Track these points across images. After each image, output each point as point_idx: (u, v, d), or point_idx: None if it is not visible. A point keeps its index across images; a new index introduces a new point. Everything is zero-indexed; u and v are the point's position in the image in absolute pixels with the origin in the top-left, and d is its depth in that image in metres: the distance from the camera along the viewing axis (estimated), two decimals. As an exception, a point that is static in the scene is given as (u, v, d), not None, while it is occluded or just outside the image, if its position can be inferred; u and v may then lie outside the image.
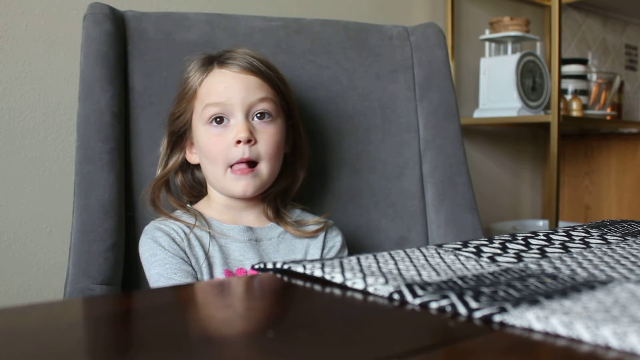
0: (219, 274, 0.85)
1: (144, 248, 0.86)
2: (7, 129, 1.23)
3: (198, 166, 0.95)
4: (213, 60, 0.91)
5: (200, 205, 0.93)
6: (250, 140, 0.86)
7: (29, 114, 1.25)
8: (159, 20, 1.05)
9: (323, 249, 0.92)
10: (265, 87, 0.90)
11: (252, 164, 0.87)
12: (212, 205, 0.92)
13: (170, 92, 1.00)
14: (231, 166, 0.86)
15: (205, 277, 0.84)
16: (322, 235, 0.93)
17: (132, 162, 0.99)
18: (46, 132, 1.27)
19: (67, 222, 0.98)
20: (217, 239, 0.87)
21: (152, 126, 1.00)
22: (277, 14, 1.21)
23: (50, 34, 1.27)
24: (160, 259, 0.83)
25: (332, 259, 0.50)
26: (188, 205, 0.93)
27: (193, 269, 0.84)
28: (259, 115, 0.88)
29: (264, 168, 0.88)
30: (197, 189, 0.96)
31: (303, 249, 0.91)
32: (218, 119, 0.87)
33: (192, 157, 0.93)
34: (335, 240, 0.94)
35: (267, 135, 0.88)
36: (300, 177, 0.97)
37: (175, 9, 1.38)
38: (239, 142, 0.85)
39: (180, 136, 0.93)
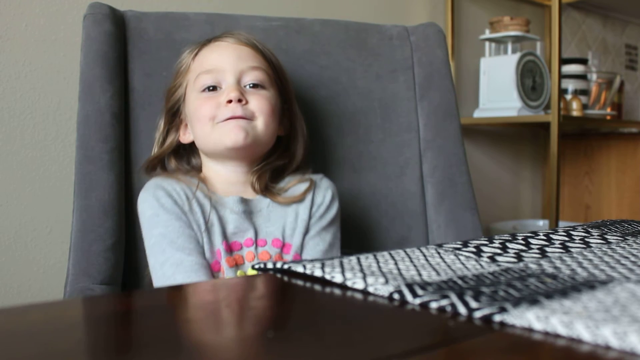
0: (218, 244, 0.84)
1: (144, 205, 0.85)
2: (7, 129, 1.23)
3: (193, 152, 0.94)
4: (209, 40, 0.92)
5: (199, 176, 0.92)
6: (242, 100, 0.85)
7: (29, 114, 1.25)
8: (159, 20, 1.05)
9: (311, 207, 0.90)
10: (259, 58, 0.90)
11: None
12: (208, 179, 0.90)
13: (170, 92, 0.99)
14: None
15: (206, 246, 0.83)
16: (309, 195, 0.90)
17: (132, 162, 0.99)
18: (46, 132, 1.27)
19: (67, 222, 0.98)
20: (217, 208, 0.86)
21: (152, 126, 1.00)
22: (277, 14, 1.21)
23: (50, 34, 1.27)
24: (164, 220, 0.83)
25: (332, 258, 0.50)
26: (189, 174, 0.91)
27: (194, 231, 0.83)
28: (251, 85, 0.88)
29: (259, 123, 0.86)
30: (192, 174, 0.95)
31: (293, 212, 0.89)
32: (210, 88, 0.87)
33: (186, 137, 0.93)
34: (325, 194, 0.92)
35: (260, 97, 0.87)
36: (298, 156, 0.95)
37: (175, 9, 1.38)
38: (229, 101, 0.85)
39: (174, 114, 0.93)
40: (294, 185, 0.92)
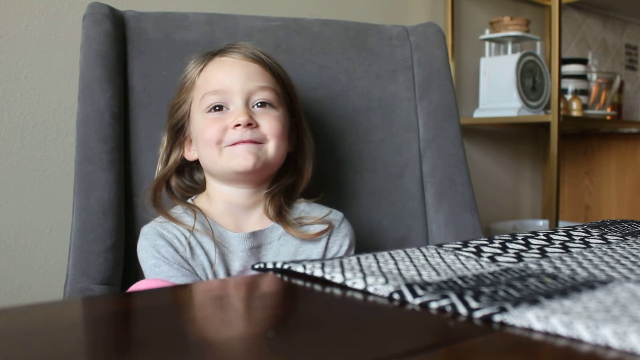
0: None
1: (145, 255, 0.82)
2: (7, 129, 1.23)
3: (196, 167, 0.92)
4: (215, 54, 0.88)
5: (201, 202, 0.88)
6: (251, 124, 0.81)
7: (29, 114, 1.25)
8: (159, 20, 1.05)
9: (324, 254, 0.86)
10: (267, 76, 0.86)
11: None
12: (212, 204, 0.87)
13: (170, 92, 1.00)
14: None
15: None
16: (325, 238, 0.87)
17: (131, 162, 0.99)
18: (46, 132, 1.27)
19: (67, 222, 0.98)
20: (221, 247, 0.83)
21: (151, 126, 1.00)
22: (277, 14, 1.21)
23: (50, 34, 1.27)
24: (165, 271, 0.80)
25: (332, 259, 0.50)
26: (189, 200, 0.89)
27: (199, 277, 0.81)
28: (259, 104, 0.84)
29: (270, 146, 0.83)
30: (193, 191, 0.92)
31: (304, 251, 0.86)
32: (217, 107, 0.83)
33: (190, 154, 0.89)
34: (342, 243, 0.88)
35: (269, 117, 0.83)
36: (307, 173, 0.92)
37: (175, 9, 1.38)
38: (237, 125, 0.81)
39: (179, 131, 0.90)
40: (312, 225, 0.87)
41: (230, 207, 0.87)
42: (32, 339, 0.33)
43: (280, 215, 0.86)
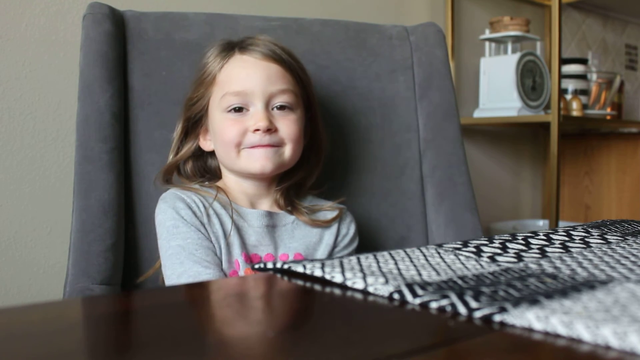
0: (237, 255, 0.83)
1: (164, 216, 0.84)
2: (7, 129, 1.23)
3: (211, 154, 0.93)
4: (234, 46, 0.89)
5: (218, 184, 0.91)
6: (270, 129, 0.84)
7: (29, 114, 1.25)
8: (159, 20, 1.05)
9: (337, 236, 0.92)
10: (287, 77, 0.88)
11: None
12: (227, 189, 0.90)
13: (170, 91, 1.00)
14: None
15: (224, 257, 0.83)
16: (336, 223, 0.92)
17: (131, 162, 0.99)
18: (46, 132, 1.27)
19: (67, 222, 0.98)
20: (236, 220, 0.85)
21: (151, 126, 1.00)
22: (277, 14, 1.21)
23: (50, 34, 1.27)
24: (183, 232, 0.82)
25: (332, 258, 0.50)
26: (206, 182, 0.91)
27: (212, 244, 0.83)
28: (279, 106, 0.86)
29: (287, 150, 0.86)
30: (208, 177, 0.94)
31: (317, 234, 0.90)
32: (237, 108, 0.85)
33: (207, 144, 0.92)
34: (350, 227, 0.94)
35: (288, 121, 0.86)
36: (315, 170, 0.96)
37: (175, 9, 1.38)
38: (256, 130, 0.84)
39: (195, 122, 0.91)
40: (322, 211, 0.92)
41: (243, 195, 0.90)
42: (32, 339, 0.33)
43: (292, 205, 0.90)
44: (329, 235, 0.91)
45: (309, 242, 0.89)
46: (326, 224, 0.91)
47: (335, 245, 0.91)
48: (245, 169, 0.86)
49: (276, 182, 0.91)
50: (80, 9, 1.27)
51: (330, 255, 0.90)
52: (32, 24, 1.25)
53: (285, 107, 0.86)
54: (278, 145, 0.85)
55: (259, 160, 0.84)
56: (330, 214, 0.92)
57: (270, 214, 0.88)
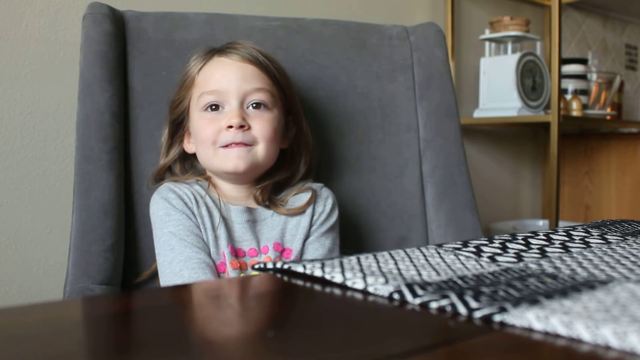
0: (223, 247, 0.85)
1: (157, 206, 0.87)
2: (7, 129, 1.23)
3: (196, 157, 0.95)
4: (214, 51, 0.92)
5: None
6: (243, 126, 0.86)
7: (29, 114, 1.25)
8: (159, 20, 1.05)
9: (312, 215, 0.92)
10: (263, 78, 0.90)
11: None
12: (215, 185, 0.92)
13: (170, 91, 1.00)
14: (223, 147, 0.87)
15: (212, 249, 0.85)
16: (311, 205, 0.92)
17: (131, 162, 0.99)
18: (46, 132, 1.27)
19: (67, 222, 0.98)
20: (224, 213, 0.88)
21: (151, 126, 1.00)
22: (277, 14, 1.21)
23: (50, 34, 1.27)
24: (175, 219, 0.85)
25: (332, 258, 0.50)
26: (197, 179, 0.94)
27: (202, 234, 0.85)
28: (254, 105, 0.88)
29: (260, 149, 0.88)
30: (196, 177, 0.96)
31: (294, 220, 0.91)
32: (213, 107, 0.88)
33: (189, 147, 0.94)
34: (325, 204, 0.93)
35: (262, 120, 0.88)
36: (301, 172, 0.97)
37: (175, 9, 1.38)
38: (230, 127, 0.85)
39: (179, 125, 0.94)
40: (295, 195, 0.93)
41: (228, 193, 0.92)
42: (32, 339, 0.33)
43: (270, 201, 0.92)
44: (305, 218, 0.91)
45: (285, 229, 0.90)
46: (302, 209, 0.91)
47: (311, 224, 0.91)
48: (220, 168, 0.88)
49: (255, 184, 0.92)
50: (80, 9, 1.27)
51: (307, 236, 0.91)
52: (32, 24, 1.25)
53: (261, 105, 0.88)
54: (251, 143, 0.87)
55: (232, 160, 0.86)
56: (304, 197, 0.93)
57: (249, 210, 0.89)
